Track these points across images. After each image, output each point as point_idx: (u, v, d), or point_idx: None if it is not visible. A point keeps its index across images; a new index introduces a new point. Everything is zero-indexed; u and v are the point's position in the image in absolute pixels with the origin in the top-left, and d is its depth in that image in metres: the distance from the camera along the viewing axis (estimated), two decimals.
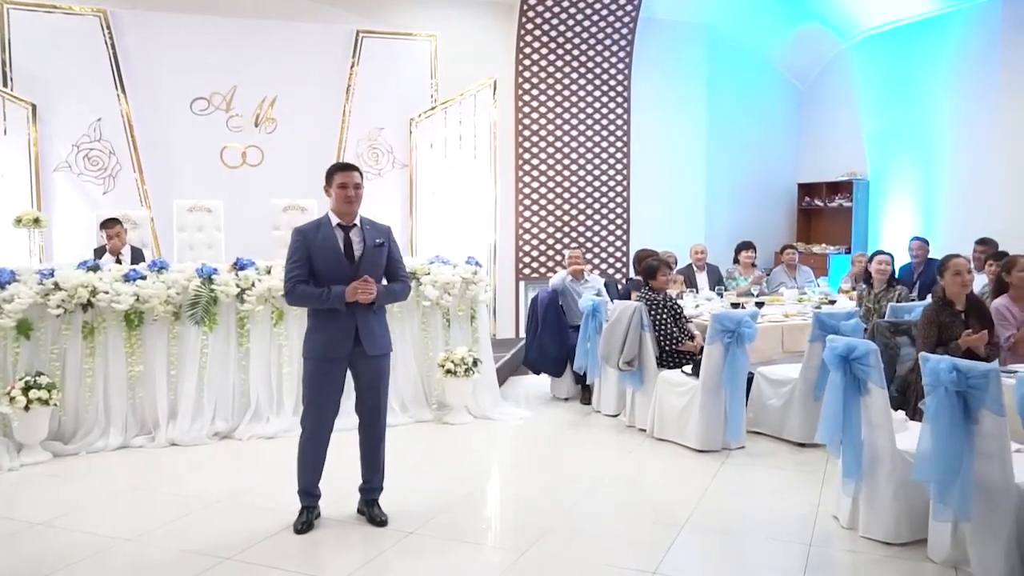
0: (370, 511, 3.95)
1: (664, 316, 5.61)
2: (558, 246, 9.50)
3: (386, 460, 3.99)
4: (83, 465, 5.03)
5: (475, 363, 5.95)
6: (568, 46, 9.38)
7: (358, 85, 8.34)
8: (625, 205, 9.79)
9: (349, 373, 3.87)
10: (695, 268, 8.09)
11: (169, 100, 7.82)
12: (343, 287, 3.67)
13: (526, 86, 9.28)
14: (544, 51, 9.30)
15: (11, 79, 7.33)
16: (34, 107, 7.35)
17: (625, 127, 9.71)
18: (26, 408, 4.95)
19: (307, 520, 3.87)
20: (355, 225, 3.79)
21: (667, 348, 5.60)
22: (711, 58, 10.16)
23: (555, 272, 7.82)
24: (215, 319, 5.52)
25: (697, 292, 7.41)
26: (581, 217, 9.62)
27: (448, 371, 5.90)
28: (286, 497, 4.02)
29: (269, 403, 5.70)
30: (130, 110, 7.69)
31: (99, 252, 6.46)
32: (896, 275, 6.73)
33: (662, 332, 5.60)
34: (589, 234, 9.66)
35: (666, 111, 9.92)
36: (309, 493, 3.91)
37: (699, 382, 5.14)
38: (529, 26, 9.15)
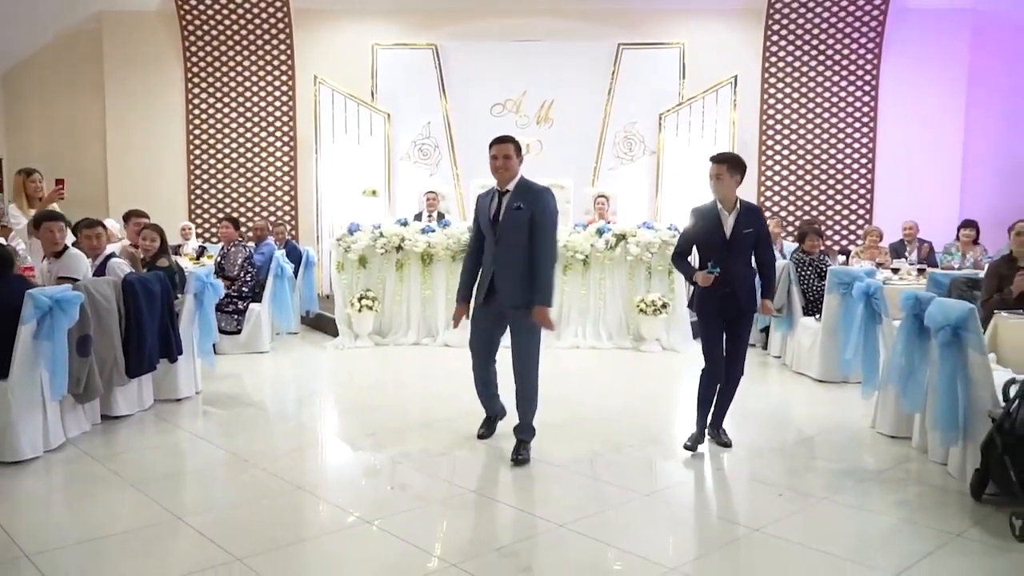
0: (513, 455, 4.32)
1: (809, 273, 6.82)
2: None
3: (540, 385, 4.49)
4: (391, 352, 7.75)
5: (664, 306, 7.65)
6: (814, 42, 10.38)
7: (617, 87, 10.32)
8: (869, 187, 10.50)
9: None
10: (905, 242, 8.79)
11: (475, 106, 10.50)
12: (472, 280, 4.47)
13: (771, 80, 10.47)
14: (790, 48, 10.41)
15: (376, 95, 10.53)
16: (388, 115, 10.48)
17: (872, 113, 10.41)
18: (359, 311, 7.82)
19: (486, 429, 4.67)
20: (508, 191, 4.18)
21: (811, 299, 6.81)
22: (976, 43, 10.34)
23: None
24: None
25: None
26: (823, 197, 10.56)
27: (641, 310, 7.68)
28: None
29: None
30: (449, 115, 10.52)
31: (418, 216, 9.27)
32: None
33: (807, 286, 6.82)
34: (830, 212, 10.57)
35: (919, 95, 10.37)
36: (487, 409, 4.68)
37: (820, 325, 6.35)
38: (776, 27, 10.34)
